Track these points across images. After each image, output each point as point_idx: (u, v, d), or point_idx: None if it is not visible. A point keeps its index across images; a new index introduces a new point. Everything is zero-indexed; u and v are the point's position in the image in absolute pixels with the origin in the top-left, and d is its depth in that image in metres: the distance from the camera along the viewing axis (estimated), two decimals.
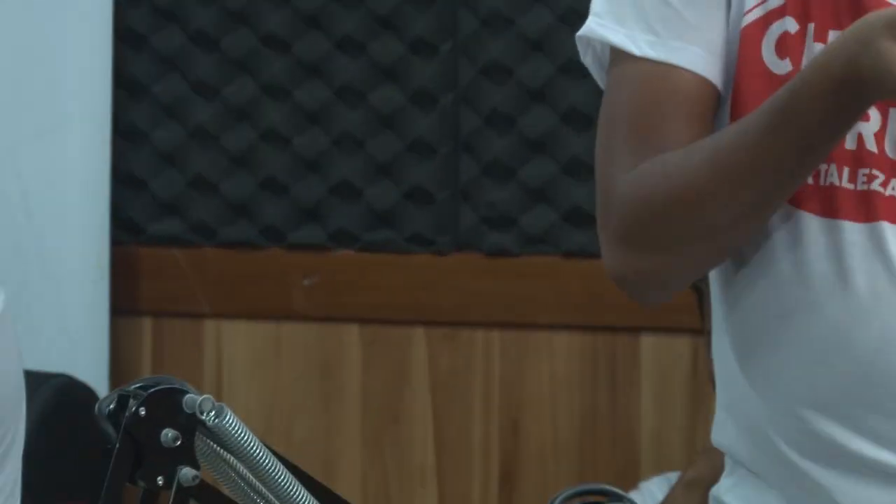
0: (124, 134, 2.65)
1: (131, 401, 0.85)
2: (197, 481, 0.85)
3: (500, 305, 2.58)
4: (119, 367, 2.57)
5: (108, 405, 0.86)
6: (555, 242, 2.54)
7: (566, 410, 2.53)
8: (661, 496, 2.24)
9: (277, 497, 0.91)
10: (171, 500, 0.87)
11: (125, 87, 2.65)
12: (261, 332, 2.64)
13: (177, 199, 2.67)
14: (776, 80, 1.00)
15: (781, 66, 1.01)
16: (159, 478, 0.84)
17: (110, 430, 0.85)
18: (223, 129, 2.65)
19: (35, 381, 1.79)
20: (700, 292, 2.57)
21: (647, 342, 2.51)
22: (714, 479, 2.08)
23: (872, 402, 1.02)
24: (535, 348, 2.56)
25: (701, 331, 2.42)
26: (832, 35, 0.98)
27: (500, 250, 2.54)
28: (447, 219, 2.58)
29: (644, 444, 2.53)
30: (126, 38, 2.68)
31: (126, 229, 2.66)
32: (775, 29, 1.01)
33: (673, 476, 2.37)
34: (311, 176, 2.58)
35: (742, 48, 1.02)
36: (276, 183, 2.66)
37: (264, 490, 0.91)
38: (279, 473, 0.89)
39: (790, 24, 1.01)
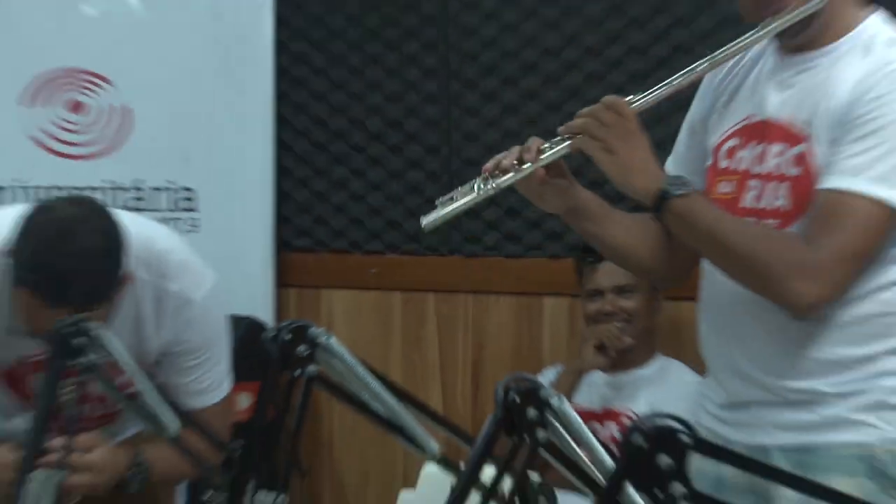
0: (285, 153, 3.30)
1: (282, 331, 1.33)
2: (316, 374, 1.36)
3: None
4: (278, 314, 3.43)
5: (270, 335, 1.34)
6: None
7: None
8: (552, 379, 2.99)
9: (367, 388, 1.37)
10: (301, 387, 1.34)
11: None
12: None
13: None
14: None
15: None
16: (297, 370, 1.32)
17: (273, 348, 1.34)
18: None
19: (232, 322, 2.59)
20: (580, 260, 3.00)
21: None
22: (583, 370, 2.82)
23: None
24: None
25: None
26: None
27: None
28: None
29: None
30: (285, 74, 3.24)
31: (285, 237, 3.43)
32: None
33: (560, 367, 3.04)
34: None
35: None
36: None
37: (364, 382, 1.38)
38: (367, 377, 1.35)
39: None
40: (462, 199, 1.88)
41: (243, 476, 1.57)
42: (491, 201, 2.25)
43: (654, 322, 2.91)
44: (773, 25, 1.83)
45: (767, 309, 1.88)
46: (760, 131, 1.94)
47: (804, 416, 1.88)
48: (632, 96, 1.83)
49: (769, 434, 1.91)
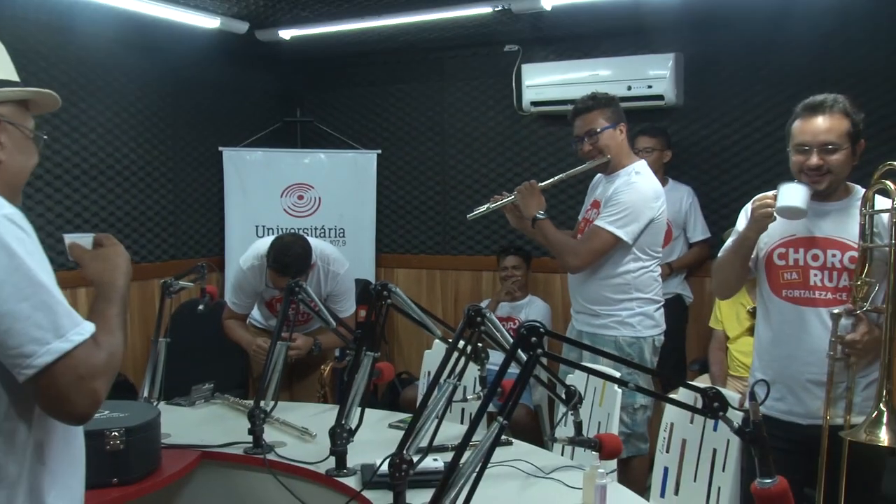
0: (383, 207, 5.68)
1: (376, 285, 2.40)
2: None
3: None
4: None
5: (372, 286, 2.41)
6: None
7: None
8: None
9: (412, 309, 2.46)
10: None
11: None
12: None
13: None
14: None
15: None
16: (382, 301, 2.40)
17: (373, 292, 2.40)
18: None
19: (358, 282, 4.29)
20: (499, 254, 4.94)
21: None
22: (499, 301, 4.86)
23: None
24: None
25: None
26: None
27: None
28: None
29: None
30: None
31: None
32: None
33: (490, 299, 4.87)
34: None
35: None
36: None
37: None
38: (412, 305, 2.43)
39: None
40: (482, 211, 3.38)
41: (361, 344, 2.46)
42: (484, 219, 3.87)
43: (527, 281, 4.94)
44: (590, 165, 3.29)
45: (582, 277, 3.31)
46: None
47: (594, 320, 3.35)
48: (540, 183, 3.31)
49: (582, 326, 3.38)
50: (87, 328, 1.40)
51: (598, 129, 3.31)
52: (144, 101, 4.91)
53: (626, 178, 3.28)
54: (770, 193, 2.52)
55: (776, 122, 4.45)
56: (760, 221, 2.50)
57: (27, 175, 1.60)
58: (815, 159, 2.51)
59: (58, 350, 1.34)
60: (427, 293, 5.71)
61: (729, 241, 2.70)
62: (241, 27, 4.59)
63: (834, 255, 2.53)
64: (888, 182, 2.42)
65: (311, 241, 3.56)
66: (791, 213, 2.48)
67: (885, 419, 2.30)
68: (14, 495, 1.41)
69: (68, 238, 1.66)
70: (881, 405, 2.34)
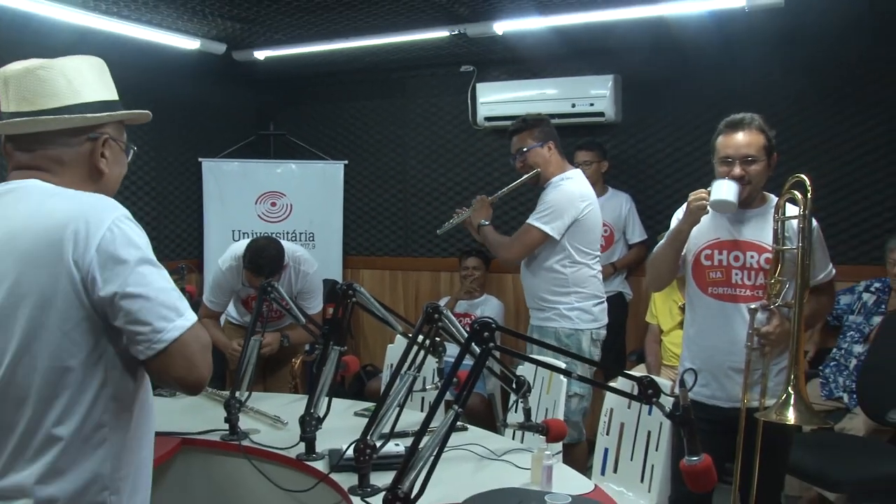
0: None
1: (342, 285, 2.39)
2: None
3: None
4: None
5: (339, 286, 2.40)
6: None
7: None
8: None
9: (376, 307, 2.45)
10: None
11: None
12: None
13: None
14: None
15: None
16: (348, 299, 2.55)
17: (339, 290, 2.41)
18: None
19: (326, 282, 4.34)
20: (460, 257, 5.06)
21: None
22: (458, 299, 4.91)
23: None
24: None
25: None
26: None
27: None
28: None
29: None
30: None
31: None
32: None
33: (448, 297, 4.94)
34: None
35: None
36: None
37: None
38: (376, 303, 2.45)
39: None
40: (448, 225, 3.53)
41: (329, 339, 2.45)
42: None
43: (485, 281, 5.02)
44: (524, 179, 3.37)
45: (529, 276, 3.36)
46: None
47: (539, 314, 3.41)
48: (489, 196, 3.48)
49: (533, 320, 3.42)
50: (193, 313, 1.53)
51: (526, 148, 3.41)
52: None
53: (554, 184, 3.37)
54: (704, 190, 2.55)
55: (703, 138, 4.39)
56: (695, 213, 2.53)
57: (119, 183, 1.69)
58: (737, 170, 2.55)
59: (182, 326, 1.47)
60: (390, 292, 5.74)
61: (663, 238, 2.74)
62: (220, 48, 4.60)
63: (752, 257, 2.57)
64: (796, 192, 2.46)
65: (284, 243, 3.56)
66: (722, 206, 2.51)
67: (792, 401, 2.35)
68: (109, 456, 1.51)
69: None
70: (789, 389, 2.38)
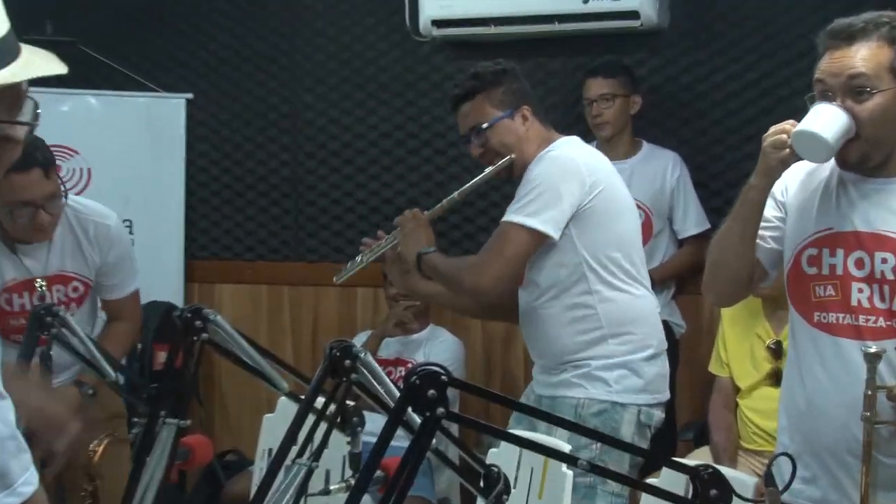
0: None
1: (184, 311, 2.46)
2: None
3: None
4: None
5: (177, 313, 2.48)
6: None
7: None
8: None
9: (241, 348, 2.49)
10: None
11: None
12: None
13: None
14: None
15: None
16: (194, 336, 2.40)
17: (179, 322, 2.43)
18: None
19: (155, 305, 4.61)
20: None
21: None
22: (385, 334, 5.06)
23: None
24: None
25: None
26: None
27: None
28: None
29: None
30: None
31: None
32: None
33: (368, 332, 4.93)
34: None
35: None
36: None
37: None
38: (241, 340, 2.49)
39: None
40: (354, 267, 3.62)
41: (156, 407, 2.48)
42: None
43: (429, 304, 4.80)
44: (489, 173, 3.48)
45: (525, 315, 3.52)
46: None
47: (549, 378, 3.47)
48: (425, 211, 3.53)
49: (539, 388, 3.52)
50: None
51: (486, 124, 3.48)
52: None
53: (538, 161, 3.43)
54: (791, 122, 2.59)
55: (805, 60, 4.30)
56: (771, 160, 2.58)
57: None
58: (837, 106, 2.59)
59: None
60: (268, 322, 5.68)
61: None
62: None
63: (885, 261, 2.61)
64: None
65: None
66: (811, 145, 2.56)
67: None
68: None
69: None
70: None
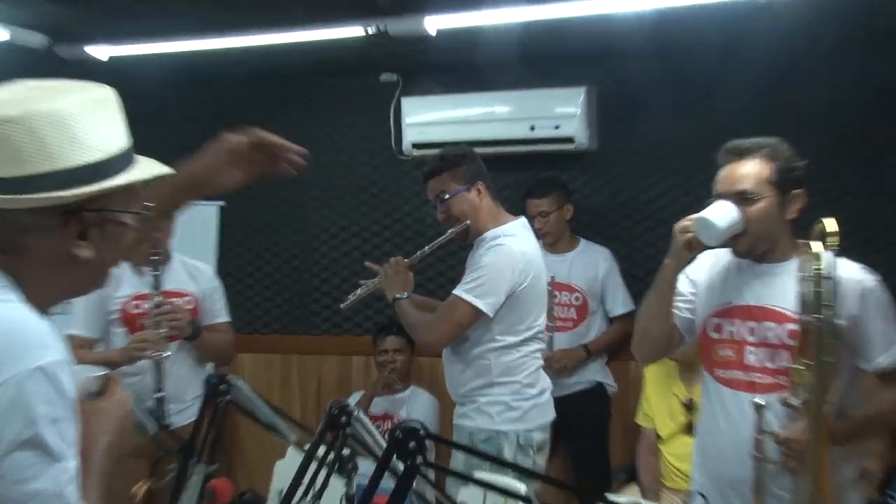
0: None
1: (212, 377, 2.29)
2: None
3: None
4: None
5: (208, 379, 2.27)
6: None
7: None
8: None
9: (258, 408, 2.28)
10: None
11: None
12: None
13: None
14: None
15: None
16: (220, 399, 2.20)
17: (208, 387, 2.26)
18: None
19: None
20: (376, 335, 5.14)
21: None
22: (374, 394, 5.02)
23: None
24: None
25: None
26: None
27: None
28: None
29: None
30: None
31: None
32: None
33: (361, 392, 4.99)
34: None
35: None
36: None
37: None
38: (259, 401, 2.27)
39: None
40: (354, 298, 3.77)
41: (188, 455, 2.35)
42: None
43: (411, 368, 5.03)
44: (450, 234, 3.56)
45: (447, 360, 3.63)
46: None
47: (457, 409, 3.66)
48: (405, 259, 3.64)
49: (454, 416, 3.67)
50: None
51: (448, 194, 3.62)
52: None
53: (490, 242, 3.58)
54: (696, 215, 2.70)
55: (709, 171, 4.55)
56: (678, 238, 2.70)
57: (111, 267, 1.70)
58: None
59: None
60: (280, 385, 5.78)
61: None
62: (38, 40, 4.54)
63: (770, 329, 2.71)
64: (810, 242, 2.54)
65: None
66: (705, 229, 2.66)
67: None
68: None
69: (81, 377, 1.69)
70: None
